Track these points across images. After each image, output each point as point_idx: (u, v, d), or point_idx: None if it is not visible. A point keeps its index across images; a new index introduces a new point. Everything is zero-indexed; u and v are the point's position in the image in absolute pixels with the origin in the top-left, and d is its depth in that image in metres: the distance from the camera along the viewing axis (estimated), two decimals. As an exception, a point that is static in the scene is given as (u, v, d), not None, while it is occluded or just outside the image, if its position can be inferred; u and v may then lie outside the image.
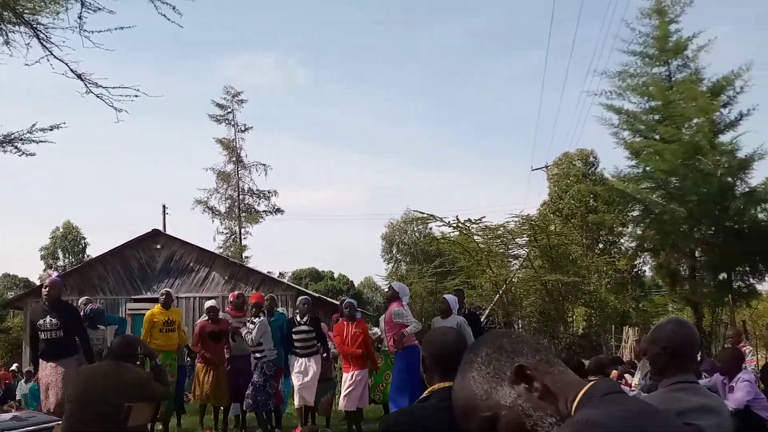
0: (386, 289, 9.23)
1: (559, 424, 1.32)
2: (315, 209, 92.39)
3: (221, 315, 10.11)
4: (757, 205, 14.64)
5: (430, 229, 42.10)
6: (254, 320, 9.22)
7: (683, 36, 15.81)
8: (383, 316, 9.51)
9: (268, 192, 42.31)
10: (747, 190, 14.78)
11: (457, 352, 2.94)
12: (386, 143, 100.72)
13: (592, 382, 1.38)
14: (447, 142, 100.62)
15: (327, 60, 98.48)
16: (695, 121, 14.64)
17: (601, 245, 33.25)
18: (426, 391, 2.89)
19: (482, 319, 15.14)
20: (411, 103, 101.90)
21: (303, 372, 9.43)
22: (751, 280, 15.26)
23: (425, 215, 25.71)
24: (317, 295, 30.52)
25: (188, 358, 11.26)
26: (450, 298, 9.51)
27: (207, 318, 9.87)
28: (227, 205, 41.70)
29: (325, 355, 10.01)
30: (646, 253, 18.23)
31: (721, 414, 3.03)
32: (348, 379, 9.24)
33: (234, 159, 41.53)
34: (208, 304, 10.08)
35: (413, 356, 8.29)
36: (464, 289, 15.28)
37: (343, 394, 9.32)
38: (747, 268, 15.09)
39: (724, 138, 15.13)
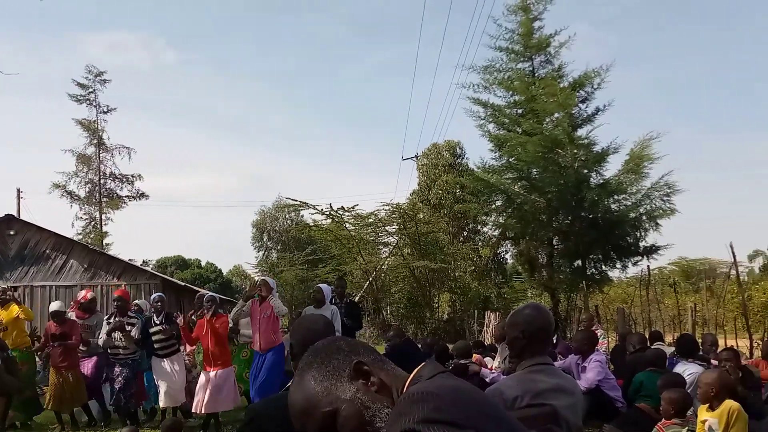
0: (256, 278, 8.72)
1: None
2: (182, 195, 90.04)
3: (71, 315, 9.65)
4: (610, 196, 15.49)
5: (302, 216, 41.99)
6: (134, 318, 8.92)
7: (546, 33, 16.53)
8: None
9: (132, 176, 40.70)
10: (601, 182, 15.63)
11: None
12: (258, 130, 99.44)
13: (418, 368, 1.47)
14: (319, 130, 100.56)
15: (197, 42, 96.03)
16: (555, 115, 15.30)
17: (466, 233, 34.31)
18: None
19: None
20: (283, 90, 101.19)
21: (166, 373, 9.03)
22: (604, 267, 16.17)
23: (297, 202, 25.63)
24: (183, 283, 29.71)
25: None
26: (325, 287, 9.24)
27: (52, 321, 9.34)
28: (87, 189, 39.73)
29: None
30: (507, 242, 19.01)
31: (574, 394, 3.20)
32: (212, 378, 8.48)
33: (95, 141, 39.59)
34: (53, 308, 9.48)
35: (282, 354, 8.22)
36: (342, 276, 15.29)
37: (205, 394, 8.46)
38: (600, 256, 15.96)
39: (582, 132, 15.95)
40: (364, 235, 25.79)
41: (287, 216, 56.41)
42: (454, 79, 36.73)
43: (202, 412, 8.61)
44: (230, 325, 8.70)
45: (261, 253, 58.54)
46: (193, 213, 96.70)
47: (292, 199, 26.63)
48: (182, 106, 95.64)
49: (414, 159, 39.76)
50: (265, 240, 59.68)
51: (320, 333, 2.96)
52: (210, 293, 9.40)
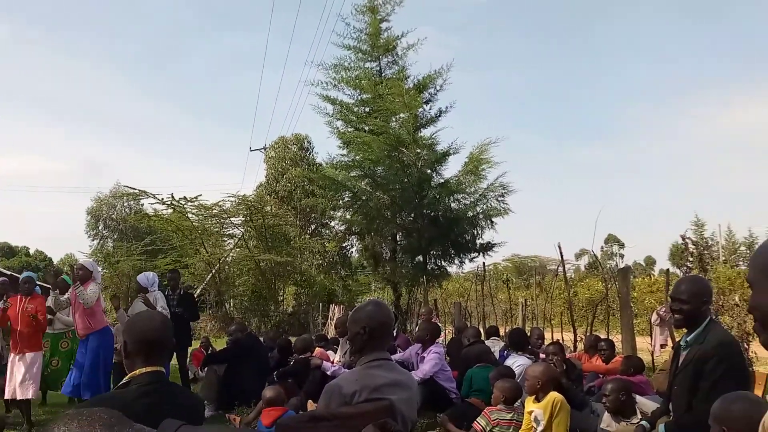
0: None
1: None
2: (9, 179, 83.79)
3: None
4: (450, 195, 16.13)
5: (142, 205, 40.33)
6: None
7: (393, 34, 16.89)
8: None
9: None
10: (442, 181, 16.26)
11: (162, 337, 2.90)
12: (96, 114, 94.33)
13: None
14: (163, 117, 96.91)
15: (31, 18, 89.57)
16: (401, 115, 15.70)
17: (313, 227, 34.37)
18: (126, 377, 2.79)
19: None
20: (126, 76, 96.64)
21: None
22: (443, 262, 16.83)
23: (136, 191, 24.62)
24: (9, 272, 27.69)
25: None
26: (142, 276, 8.85)
27: None
28: None
29: None
30: (353, 237, 19.21)
31: (410, 388, 3.33)
32: (19, 363, 7.74)
33: None
34: None
35: (104, 339, 7.84)
36: (177, 268, 14.81)
37: (17, 380, 7.71)
38: (440, 252, 16.58)
39: (425, 132, 16.50)
40: (208, 226, 25.24)
41: (125, 204, 54.06)
42: (303, 74, 36.79)
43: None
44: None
45: (96, 242, 55.73)
46: (21, 197, 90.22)
47: (131, 187, 25.62)
48: (12, 83, 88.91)
49: (262, 151, 39.32)
50: (100, 228, 56.79)
51: (157, 330, 2.90)
52: (29, 273, 8.70)
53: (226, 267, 25.88)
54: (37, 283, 8.89)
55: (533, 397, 5.26)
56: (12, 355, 7.83)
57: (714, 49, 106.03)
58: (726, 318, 10.47)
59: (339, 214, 18.02)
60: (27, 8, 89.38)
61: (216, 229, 25.95)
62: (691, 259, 11.33)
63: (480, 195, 16.25)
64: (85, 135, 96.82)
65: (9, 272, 27.37)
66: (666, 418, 3.90)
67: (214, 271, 24.51)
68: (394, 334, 9.14)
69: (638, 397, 5.59)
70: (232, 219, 25.43)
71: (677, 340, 5.06)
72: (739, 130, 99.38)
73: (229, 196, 24.45)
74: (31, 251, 62.84)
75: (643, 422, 4.03)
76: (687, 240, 11.13)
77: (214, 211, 24.48)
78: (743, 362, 3.69)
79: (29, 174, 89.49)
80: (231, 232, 26.60)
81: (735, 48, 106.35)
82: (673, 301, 3.90)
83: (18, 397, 7.68)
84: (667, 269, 14.62)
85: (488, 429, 5.41)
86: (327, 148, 61.19)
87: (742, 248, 39.66)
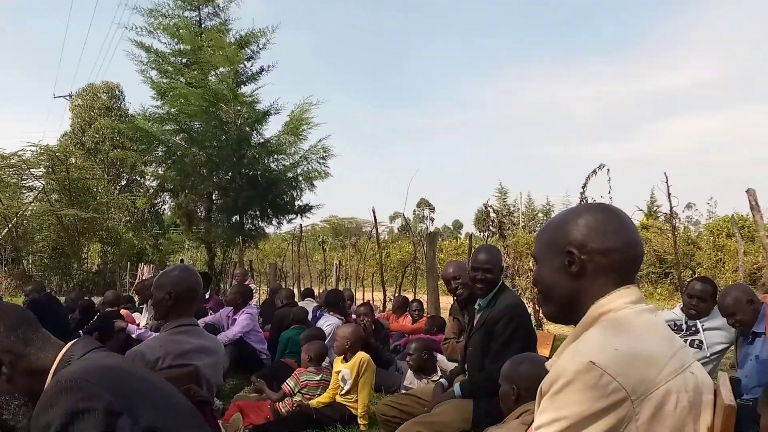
0: None
1: (28, 404, 1.31)
2: None
3: None
4: (270, 155, 15.96)
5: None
6: None
7: (214, -18, 16.25)
8: None
9: None
10: (262, 141, 16.03)
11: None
12: None
13: (69, 345, 1.40)
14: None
15: None
16: (221, 69, 15.22)
17: (123, 182, 32.80)
18: None
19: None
20: None
21: None
22: (261, 223, 16.70)
23: None
24: None
25: None
26: None
27: None
28: None
29: None
30: (166, 193, 18.51)
31: (216, 353, 3.29)
32: None
33: None
34: None
35: None
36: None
37: None
38: (257, 213, 16.41)
39: (246, 89, 16.10)
40: (5, 177, 23.39)
41: None
42: (116, 16, 34.60)
43: None
44: None
45: None
46: None
47: None
48: None
49: (67, 98, 36.74)
50: None
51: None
52: None
53: (25, 221, 24.11)
54: None
55: (341, 357, 5.37)
56: None
57: (520, 28, 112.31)
58: (521, 281, 11.28)
59: (151, 169, 17.22)
60: None
61: (14, 181, 24.10)
62: (493, 227, 12.08)
63: (301, 156, 16.24)
64: None
65: None
66: (462, 377, 4.14)
67: (10, 226, 22.74)
68: (207, 296, 8.99)
69: (439, 356, 5.89)
70: (32, 170, 23.72)
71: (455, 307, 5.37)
72: (539, 105, 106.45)
73: (30, 146, 22.74)
74: None
75: (442, 380, 4.25)
76: (489, 207, 11.86)
77: (12, 160, 22.71)
78: (529, 323, 3.96)
79: None
80: (31, 184, 24.81)
81: (535, 29, 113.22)
82: (476, 270, 4.03)
83: None
84: (471, 234, 15.47)
85: (296, 390, 5.47)
86: (140, 99, 58.14)
87: (540, 215, 42.78)
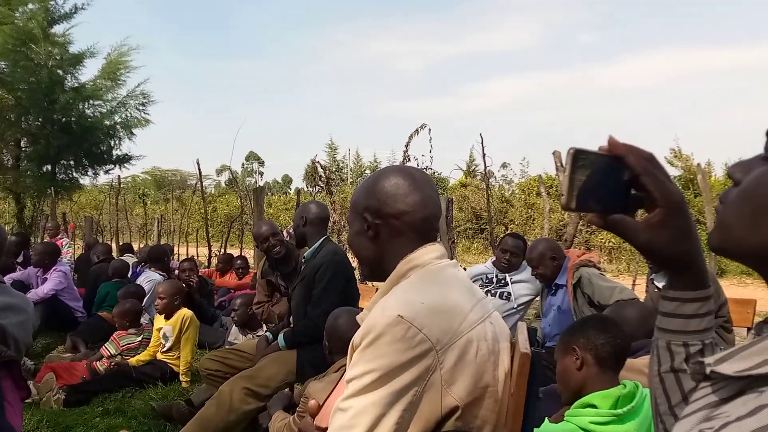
0: None
1: None
2: None
3: None
4: (86, 101, 15.05)
5: None
6: None
7: None
8: None
9: None
10: (76, 85, 15.04)
11: None
12: None
13: None
14: None
15: None
16: (30, 6, 14.05)
17: None
18: None
19: None
20: None
21: None
22: (75, 173, 15.75)
23: None
24: None
25: None
26: None
27: None
28: None
29: None
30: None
31: (25, 311, 3.09)
32: None
33: None
34: None
35: None
36: None
37: None
38: (72, 162, 15.47)
39: (58, 29, 14.95)
40: None
41: None
42: None
43: None
44: None
45: None
46: None
47: None
48: None
49: None
50: None
51: None
52: None
53: None
54: None
55: (163, 315, 5.24)
56: None
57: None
58: (346, 234, 11.51)
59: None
60: None
61: None
62: (321, 183, 12.17)
63: (119, 103, 15.43)
64: None
65: None
66: (289, 330, 4.17)
67: None
68: (22, 257, 8.43)
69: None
70: None
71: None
72: (369, 60, 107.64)
73: None
74: None
75: (267, 333, 4.25)
76: (317, 163, 11.94)
77: None
78: (350, 271, 4.03)
79: None
80: None
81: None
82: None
83: None
84: (299, 189, 15.49)
85: (117, 353, 5.29)
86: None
87: (368, 171, 43.50)
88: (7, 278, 6.48)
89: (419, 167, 8.88)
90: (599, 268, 4.51)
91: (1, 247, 3.11)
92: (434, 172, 13.24)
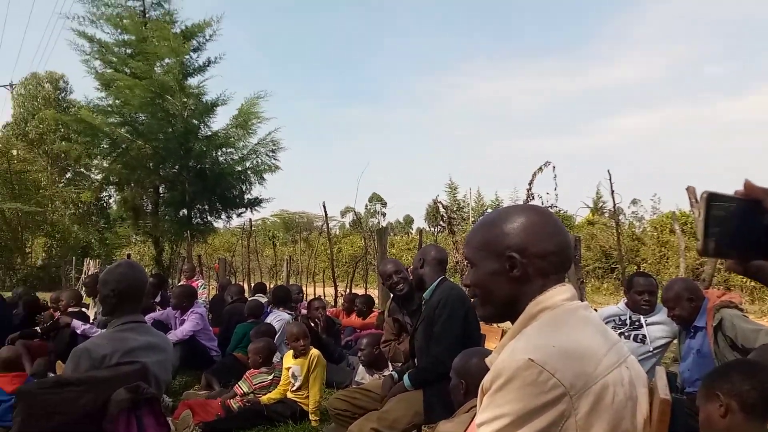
0: None
1: None
2: None
3: None
4: (218, 148, 15.80)
5: None
6: None
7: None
8: None
9: None
10: (209, 133, 15.84)
11: None
12: None
13: None
14: None
15: None
16: (167, 61, 14.97)
17: (69, 175, 32.06)
18: None
19: None
20: None
21: None
22: (209, 217, 16.52)
23: None
24: None
25: None
26: None
27: None
28: None
29: None
30: (111, 186, 18.16)
31: (165, 351, 3.25)
32: None
33: None
34: None
35: None
36: None
37: None
38: (206, 207, 16.24)
39: (192, 81, 15.86)
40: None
41: None
42: (57, 5, 33.80)
43: None
44: None
45: None
46: None
47: None
48: None
49: (8, 88, 35.71)
50: None
51: None
52: None
53: (-37, 215, 23.42)
54: None
55: (291, 353, 5.35)
56: None
57: (467, 25, 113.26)
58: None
59: (96, 161, 16.87)
60: None
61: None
62: (443, 222, 12.17)
63: (250, 150, 16.12)
64: None
65: None
66: (413, 369, 4.16)
67: (-54, 220, 22.08)
68: (160, 298, 8.88)
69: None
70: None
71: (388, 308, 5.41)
72: (487, 101, 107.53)
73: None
74: None
75: (393, 373, 4.25)
76: (439, 203, 11.96)
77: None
78: (469, 308, 3.97)
79: None
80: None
81: (481, 26, 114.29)
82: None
83: None
84: (422, 229, 15.55)
85: (249, 392, 5.44)
86: (86, 91, 56.88)
87: (489, 210, 43.23)
88: (147, 318, 6.84)
89: (544, 205, 8.73)
90: (741, 310, 4.24)
91: (143, 289, 3.30)
92: (560, 210, 12.97)
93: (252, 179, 16.28)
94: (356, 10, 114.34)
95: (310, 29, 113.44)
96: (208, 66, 16.13)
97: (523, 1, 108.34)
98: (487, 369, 1.49)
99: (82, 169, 30.39)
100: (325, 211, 13.01)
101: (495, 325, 7.66)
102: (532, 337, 1.44)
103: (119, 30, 15.68)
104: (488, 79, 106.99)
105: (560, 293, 1.53)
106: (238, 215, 16.90)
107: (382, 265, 4.93)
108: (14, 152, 25.56)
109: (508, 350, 1.44)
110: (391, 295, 4.98)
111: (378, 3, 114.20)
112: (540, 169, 9.59)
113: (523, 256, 1.55)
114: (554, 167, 9.53)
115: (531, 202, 9.13)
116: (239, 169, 15.99)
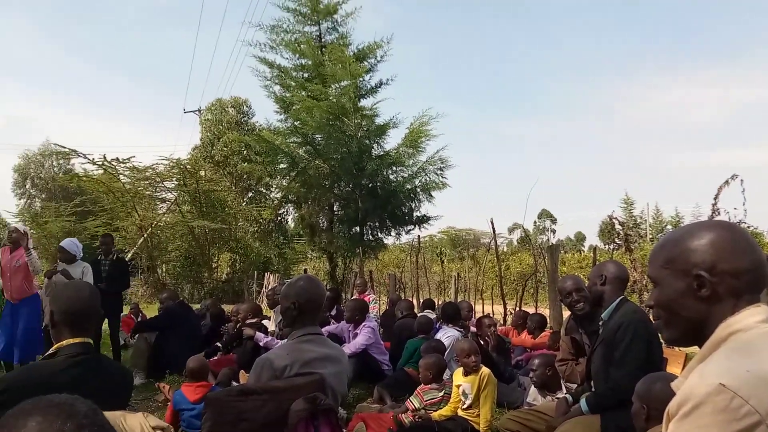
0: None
1: None
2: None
3: None
4: (390, 167, 16.16)
5: (72, 165, 39.14)
6: None
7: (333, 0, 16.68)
8: None
9: None
10: (382, 153, 16.25)
11: (89, 308, 2.84)
12: (22, 70, 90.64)
13: None
14: (93, 73, 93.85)
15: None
16: (342, 83, 15.56)
17: (251, 194, 33.96)
18: (53, 347, 2.76)
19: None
20: (50, 29, 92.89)
21: None
22: (380, 234, 16.91)
23: (66, 149, 23.87)
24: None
25: None
26: (68, 243, 8.40)
27: None
28: None
29: None
30: (290, 204, 19.09)
31: (341, 363, 3.35)
32: None
33: None
34: None
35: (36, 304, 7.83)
36: (109, 232, 14.40)
37: None
38: (377, 223, 16.64)
39: (366, 103, 16.41)
40: (141, 189, 24.69)
41: (55, 163, 52.59)
42: (241, 33, 36.11)
43: None
44: None
45: (23, 201, 54.00)
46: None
47: (61, 146, 24.75)
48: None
49: (197, 113, 38.52)
50: (28, 187, 55.03)
51: (84, 302, 2.84)
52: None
53: (159, 231, 25.38)
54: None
55: (461, 370, 5.33)
56: None
57: (639, 34, 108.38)
58: (647, 295, 10.81)
59: (276, 181, 17.82)
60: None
61: (148, 192, 25.42)
62: (618, 239, 11.64)
63: (419, 168, 16.36)
64: (9, 91, 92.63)
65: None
66: (591, 393, 4.01)
67: (146, 235, 24.02)
68: (335, 311, 9.16)
69: (565, 372, 5.72)
70: (165, 182, 24.94)
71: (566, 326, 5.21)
72: (661, 112, 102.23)
73: (163, 159, 23.97)
74: (-51, 209, 60.27)
75: (567, 396, 4.13)
76: (614, 219, 11.44)
77: (147, 173, 23.96)
78: (652, 331, 3.77)
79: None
80: (164, 195, 26.09)
81: (658, 32, 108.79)
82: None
83: None
84: (595, 246, 14.99)
85: (421, 408, 5.48)
86: (266, 114, 60.33)
87: (669, 227, 40.93)
88: (323, 331, 7.09)
89: (731, 221, 8.14)
90: None
91: (321, 303, 3.43)
92: (749, 227, 12.04)
93: (421, 196, 16.51)
94: (521, 23, 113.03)
95: (477, 47, 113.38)
96: (380, 87, 16.65)
97: (697, 7, 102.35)
98: (673, 394, 1.41)
99: (262, 189, 32.17)
100: (493, 228, 12.88)
101: (678, 348, 7.24)
102: (723, 361, 1.35)
103: (297, 55, 16.55)
104: (657, 90, 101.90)
105: (754, 315, 1.42)
106: (407, 232, 17.18)
107: (561, 281, 4.78)
108: (202, 173, 27.37)
109: (697, 374, 1.35)
110: (569, 313, 4.83)
111: (544, 15, 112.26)
112: (726, 182, 8.95)
113: (712, 274, 1.45)
114: (742, 180, 8.87)
115: (717, 218, 8.55)
116: (409, 186, 16.27)
